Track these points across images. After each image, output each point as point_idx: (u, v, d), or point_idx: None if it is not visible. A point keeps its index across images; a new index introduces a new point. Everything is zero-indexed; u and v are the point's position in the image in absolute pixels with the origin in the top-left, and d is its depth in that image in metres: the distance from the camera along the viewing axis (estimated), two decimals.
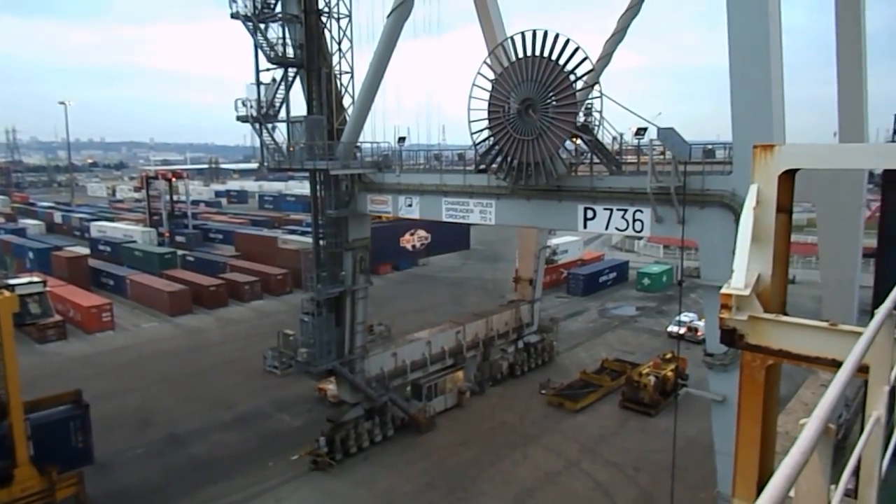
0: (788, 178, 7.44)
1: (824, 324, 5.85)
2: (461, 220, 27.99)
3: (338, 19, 30.30)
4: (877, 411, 2.55)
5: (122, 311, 57.02)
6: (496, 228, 56.38)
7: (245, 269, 66.08)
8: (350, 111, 30.63)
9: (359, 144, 31.00)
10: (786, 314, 7.25)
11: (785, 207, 7.59)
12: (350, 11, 30.45)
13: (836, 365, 2.86)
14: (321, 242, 31.93)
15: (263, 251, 71.65)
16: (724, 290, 6.69)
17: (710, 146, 24.96)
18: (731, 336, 6.74)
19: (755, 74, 17.67)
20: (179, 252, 72.73)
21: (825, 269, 29.30)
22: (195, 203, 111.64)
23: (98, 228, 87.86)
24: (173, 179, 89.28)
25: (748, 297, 6.43)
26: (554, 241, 64.91)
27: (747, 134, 17.56)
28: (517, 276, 44.78)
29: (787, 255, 8.19)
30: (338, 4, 30.19)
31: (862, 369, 2.76)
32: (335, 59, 30.63)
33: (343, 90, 31.12)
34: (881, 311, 2.61)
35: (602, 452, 32.88)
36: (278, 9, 29.97)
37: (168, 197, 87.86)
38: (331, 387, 36.66)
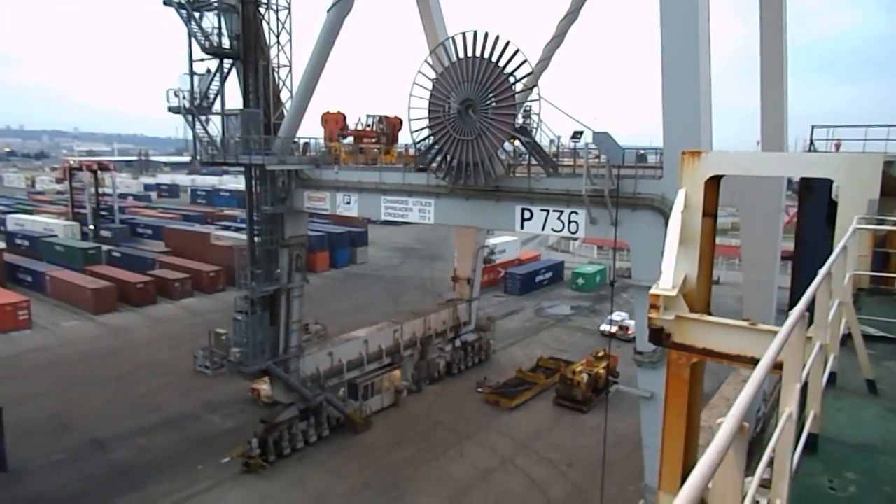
0: (714, 183, 7.76)
1: (744, 323, 6.12)
2: (400, 219, 27.89)
3: (276, 11, 29.64)
4: (789, 408, 2.68)
5: (41, 308, 53.92)
6: (435, 227, 56.51)
7: (175, 266, 63.71)
8: (288, 105, 30.02)
9: (296, 140, 30.42)
10: (710, 314, 7.56)
11: (710, 211, 7.92)
12: (289, 3, 29.84)
13: (755, 363, 2.98)
14: (256, 239, 31.15)
15: (195, 247, 69.27)
16: (652, 291, 6.91)
17: (641, 151, 25.79)
18: (658, 335, 6.98)
19: (684, 84, 18.36)
20: (105, 247, 69.42)
21: (747, 270, 30.78)
22: (123, 196, 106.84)
23: (15, 221, 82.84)
24: (99, 171, 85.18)
25: (675, 297, 6.68)
26: (492, 241, 65.61)
27: (677, 140, 18.23)
28: (455, 275, 45.03)
29: (712, 257, 8.55)
30: None
31: (777, 366, 2.88)
32: (273, 51, 29.96)
33: (281, 84, 30.47)
34: (794, 313, 2.74)
35: (536, 449, 33.48)
36: None
37: (93, 189, 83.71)
38: (264, 387, 35.84)
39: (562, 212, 21.92)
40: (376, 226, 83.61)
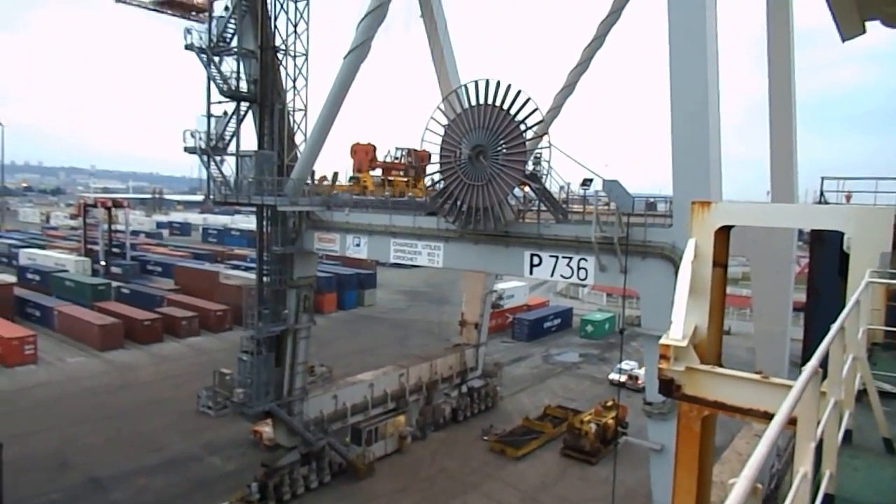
0: (724, 233, 7.73)
1: (757, 376, 6.00)
2: (409, 262, 27.93)
3: (294, 57, 30.43)
4: (804, 467, 2.59)
5: (47, 343, 53.92)
6: (444, 271, 56.48)
7: (183, 304, 63.80)
8: (302, 148, 30.51)
9: (309, 182, 30.78)
10: (721, 365, 7.42)
11: (720, 262, 7.86)
12: (307, 50, 30.67)
13: (768, 417, 2.91)
14: (265, 279, 31.24)
15: (204, 286, 69.49)
16: (662, 341, 6.81)
17: (651, 199, 25.87)
18: (668, 386, 6.85)
19: (694, 135, 18.54)
20: (114, 284, 69.75)
21: (758, 321, 30.40)
22: (135, 233, 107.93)
23: (28, 256, 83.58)
24: (113, 208, 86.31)
25: (685, 347, 6.57)
26: (500, 286, 65.37)
27: (686, 189, 18.29)
28: (463, 320, 44.73)
29: (723, 307, 8.44)
30: (295, 43, 30.37)
31: (791, 422, 2.80)
32: (289, 95, 30.63)
33: (296, 127, 31.04)
34: (808, 367, 2.67)
35: (543, 502, 32.58)
36: (234, 43, 29.95)
37: (106, 226, 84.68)
38: (267, 429, 35.33)
39: (571, 258, 21.88)
40: (385, 268, 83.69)
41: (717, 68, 18.87)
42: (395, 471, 35.35)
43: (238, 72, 29.94)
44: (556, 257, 22.20)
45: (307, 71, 30.70)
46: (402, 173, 36.18)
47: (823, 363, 3.29)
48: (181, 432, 38.32)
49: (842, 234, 7.38)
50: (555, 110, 28.22)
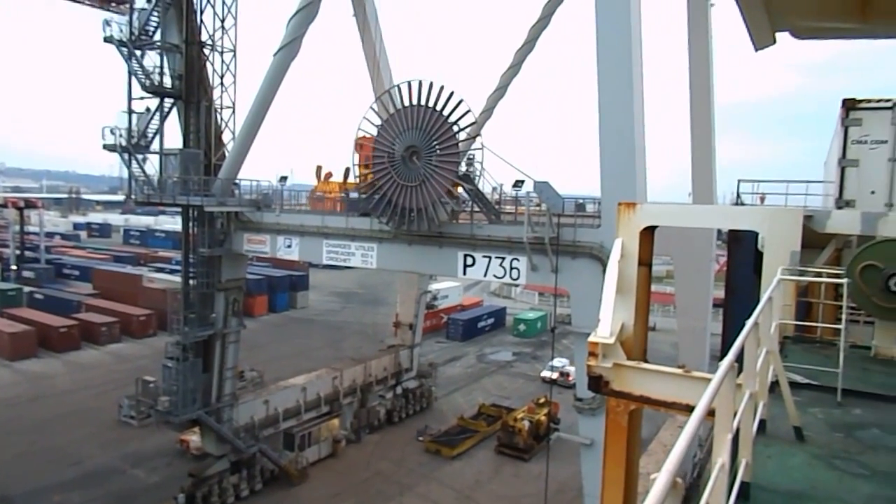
0: (648, 233, 8.00)
1: (679, 371, 6.24)
2: (342, 263, 27.61)
3: (221, 53, 29.52)
4: (721, 457, 2.70)
5: None
6: (378, 272, 56.18)
7: (103, 309, 60.67)
8: (230, 147, 29.63)
9: (237, 181, 29.95)
10: (646, 361, 7.68)
11: (645, 260, 8.14)
12: (235, 46, 29.82)
13: (689, 409, 3.02)
14: (191, 282, 30.12)
15: (126, 290, 66.32)
16: (590, 339, 6.98)
17: (580, 200, 26.57)
18: (597, 382, 7.03)
19: (621, 138, 19.18)
20: (26, 289, 65.61)
21: (681, 317, 31.75)
22: (50, 235, 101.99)
23: None
24: (25, 208, 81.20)
25: (613, 345, 6.77)
26: (434, 287, 65.54)
27: (614, 191, 18.90)
28: (397, 321, 44.58)
29: (648, 305, 8.75)
30: (222, 38, 29.47)
31: (710, 413, 2.92)
32: (217, 92, 29.70)
33: (224, 125, 30.13)
34: (725, 362, 2.79)
35: (478, 499, 32.87)
36: (157, 37, 28.75)
37: (17, 227, 79.55)
38: (194, 438, 34.07)
39: (503, 258, 22.19)
40: (318, 269, 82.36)
41: (642, 74, 19.59)
42: (330, 475, 34.84)
43: (161, 67, 28.74)
44: (489, 257, 22.46)
45: (235, 67, 29.89)
46: None
47: (739, 357, 3.44)
48: (101, 444, 36.43)
49: (756, 234, 7.79)
50: (487, 112, 28.54)
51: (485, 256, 22.60)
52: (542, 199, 20.80)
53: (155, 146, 29.22)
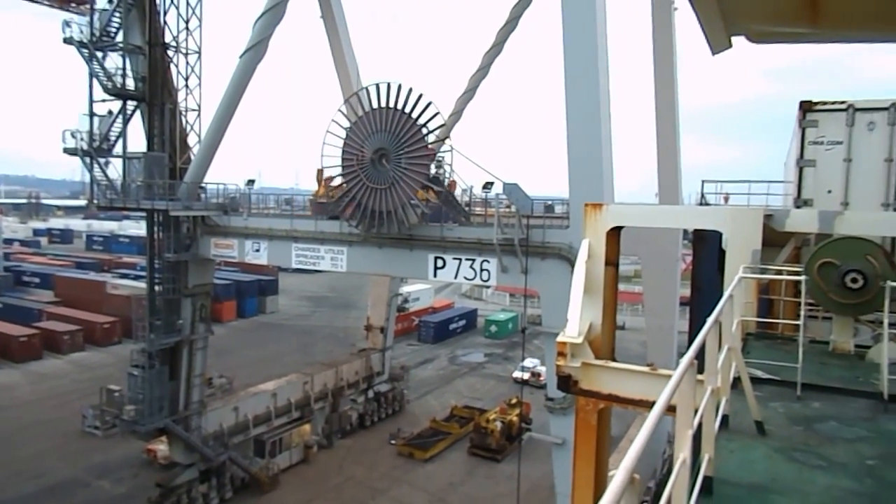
0: (615, 234, 8.12)
1: (646, 369, 6.34)
2: (312, 267, 27.38)
3: (186, 54, 29.07)
4: (683, 453, 2.75)
5: None
6: (348, 276, 55.80)
7: (65, 317, 59.11)
8: (195, 150, 29.17)
9: (203, 185, 29.50)
10: (614, 360, 7.78)
11: (612, 260, 8.25)
12: (200, 48, 29.37)
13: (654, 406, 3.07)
14: (157, 288, 29.53)
15: (89, 297, 64.72)
16: (559, 339, 7.04)
17: (549, 202, 26.81)
18: (566, 382, 7.10)
19: (588, 140, 19.42)
20: None
21: (650, 316, 32.26)
22: (8, 242, 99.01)
23: None
24: None
25: (581, 344, 6.84)
26: (406, 289, 65.43)
27: (582, 192, 19.10)
28: (368, 324, 44.35)
29: (615, 304, 8.86)
30: (186, 39, 29.01)
31: (673, 410, 2.98)
32: (182, 95, 29.22)
33: (189, 128, 29.65)
34: (685, 359, 2.85)
35: (451, 501, 32.88)
36: (119, 38, 28.19)
37: None
38: (162, 447, 33.36)
39: (474, 260, 22.26)
40: (287, 273, 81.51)
41: (608, 76, 19.87)
42: (301, 481, 34.47)
43: (124, 68, 28.20)
44: (460, 259, 22.51)
45: (201, 69, 29.45)
46: None
47: (701, 354, 3.52)
48: (64, 456, 35.45)
49: (721, 233, 7.96)
50: (456, 115, 28.59)
51: (455, 258, 22.64)
52: (511, 200, 20.94)
53: (118, 150, 28.65)
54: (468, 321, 72.58)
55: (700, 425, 3.58)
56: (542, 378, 44.49)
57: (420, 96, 21.44)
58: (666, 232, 27.13)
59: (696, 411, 3.32)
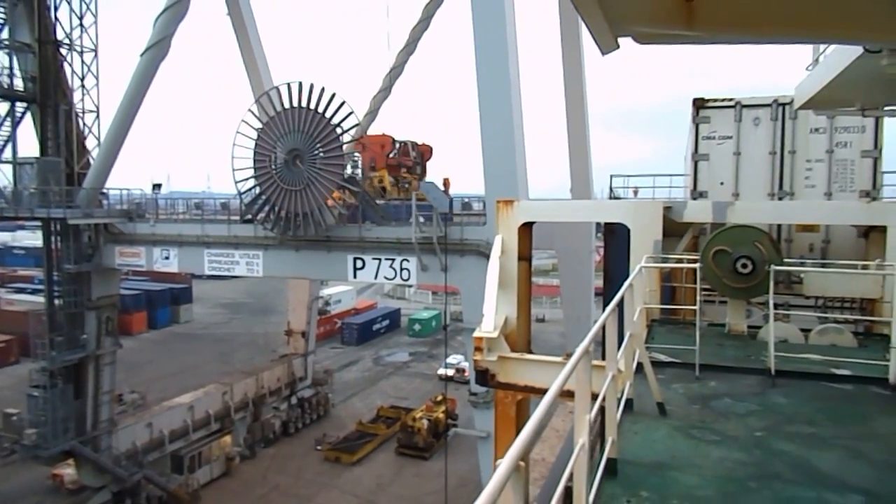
0: (527, 229, 8.35)
1: (558, 359, 6.57)
2: (226, 273, 26.51)
3: (81, 52, 27.40)
4: (581, 438, 2.86)
5: None
6: (267, 280, 54.38)
7: None
8: (95, 154, 27.56)
9: (105, 191, 27.93)
10: (530, 352, 8.01)
11: (525, 255, 8.48)
12: (96, 45, 27.79)
13: (571, 395, 3.18)
14: (57, 302, 27.72)
15: None
16: (475, 334, 7.19)
17: (467, 199, 27.15)
18: (484, 376, 7.25)
19: (501, 138, 19.83)
20: None
21: (567, 307, 33.29)
22: None
23: None
24: None
25: (497, 338, 7.01)
26: (327, 292, 64.49)
27: (496, 189, 19.48)
28: (289, 329, 43.41)
29: (529, 298, 9.12)
30: (81, 36, 27.37)
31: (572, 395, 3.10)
32: (77, 95, 27.56)
33: (87, 130, 27.99)
34: (579, 349, 2.98)
35: (380, 503, 32.71)
36: (5, 35, 26.22)
37: None
38: (69, 471, 31.28)
39: (393, 260, 22.25)
40: (201, 280, 78.33)
41: (519, 75, 20.35)
42: (224, 495, 33.30)
43: (11, 68, 26.31)
44: (379, 259, 22.44)
45: (98, 68, 27.87)
46: (405, 170, 30.19)
47: (604, 341, 3.67)
48: None
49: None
50: (372, 114, 28.45)
51: (374, 259, 22.55)
52: (428, 199, 21.07)
53: (7, 154, 26.71)
54: (392, 321, 72.35)
55: (604, 410, 3.75)
56: (466, 374, 45.00)
57: (333, 95, 21.21)
58: (580, 226, 28.09)
59: (598, 397, 3.47)
